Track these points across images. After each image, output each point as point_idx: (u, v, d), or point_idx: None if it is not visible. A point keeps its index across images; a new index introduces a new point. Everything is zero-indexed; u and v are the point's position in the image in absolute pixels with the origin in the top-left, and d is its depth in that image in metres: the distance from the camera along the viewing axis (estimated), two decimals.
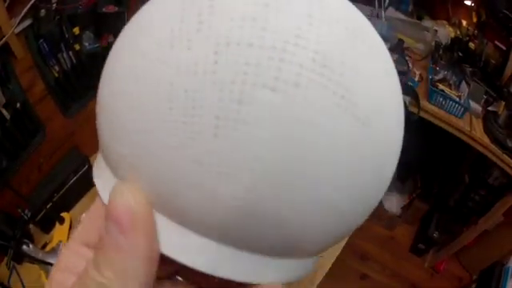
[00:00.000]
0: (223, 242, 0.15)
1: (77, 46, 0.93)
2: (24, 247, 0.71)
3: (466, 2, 1.48)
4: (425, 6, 1.52)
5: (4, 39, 0.85)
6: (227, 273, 0.15)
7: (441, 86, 1.16)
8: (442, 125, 1.19)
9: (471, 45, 1.37)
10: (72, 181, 0.88)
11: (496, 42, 1.32)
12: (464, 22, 1.46)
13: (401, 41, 1.24)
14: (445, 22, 1.50)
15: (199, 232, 0.15)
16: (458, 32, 1.43)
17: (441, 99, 1.16)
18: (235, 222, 0.15)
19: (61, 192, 0.86)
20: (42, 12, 0.87)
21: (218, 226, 0.15)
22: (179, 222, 0.15)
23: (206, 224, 0.15)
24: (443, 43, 1.34)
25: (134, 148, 0.15)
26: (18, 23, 0.86)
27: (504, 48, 1.30)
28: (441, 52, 1.31)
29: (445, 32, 1.40)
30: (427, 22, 1.42)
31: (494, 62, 1.34)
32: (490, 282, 1.35)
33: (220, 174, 0.14)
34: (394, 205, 1.70)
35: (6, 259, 0.74)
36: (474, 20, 1.45)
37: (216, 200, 0.14)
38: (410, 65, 1.23)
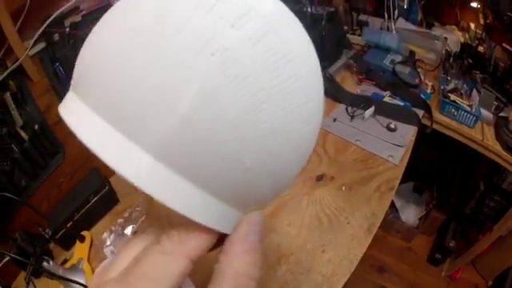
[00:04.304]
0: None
1: None
2: (44, 264, 0.72)
3: (472, 5, 1.46)
4: (433, 11, 1.51)
5: (18, 62, 0.85)
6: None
7: (452, 97, 1.15)
8: (455, 135, 1.17)
9: (480, 49, 1.36)
10: (92, 201, 0.88)
11: (504, 45, 1.30)
12: (472, 25, 1.45)
13: (412, 52, 1.23)
14: (454, 26, 1.49)
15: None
16: (467, 36, 1.42)
17: (453, 110, 1.15)
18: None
19: (81, 212, 0.87)
20: (56, 36, 0.88)
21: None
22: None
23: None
24: (453, 51, 1.33)
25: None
26: (32, 46, 0.87)
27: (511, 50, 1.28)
28: (451, 61, 1.30)
29: (454, 38, 1.39)
30: (437, 30, 1.41)
31: (502, 65, 1.32)
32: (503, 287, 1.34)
33: None
34: (412, 216, 1.69)
35: (24, 274, 0.75)
36: (481, 22, 1.43)
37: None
38: (422, 77, 1.22)
